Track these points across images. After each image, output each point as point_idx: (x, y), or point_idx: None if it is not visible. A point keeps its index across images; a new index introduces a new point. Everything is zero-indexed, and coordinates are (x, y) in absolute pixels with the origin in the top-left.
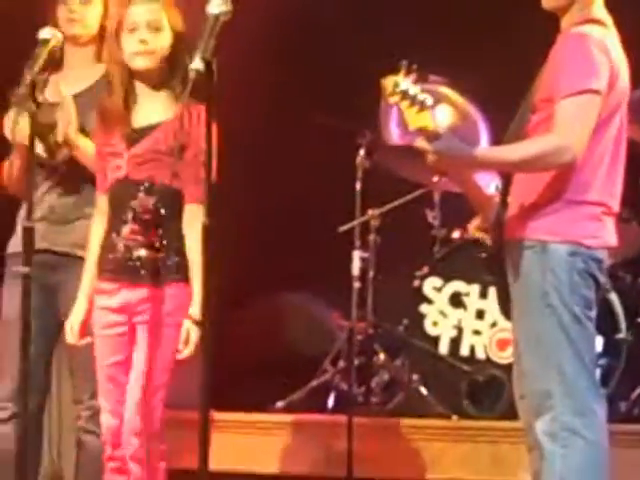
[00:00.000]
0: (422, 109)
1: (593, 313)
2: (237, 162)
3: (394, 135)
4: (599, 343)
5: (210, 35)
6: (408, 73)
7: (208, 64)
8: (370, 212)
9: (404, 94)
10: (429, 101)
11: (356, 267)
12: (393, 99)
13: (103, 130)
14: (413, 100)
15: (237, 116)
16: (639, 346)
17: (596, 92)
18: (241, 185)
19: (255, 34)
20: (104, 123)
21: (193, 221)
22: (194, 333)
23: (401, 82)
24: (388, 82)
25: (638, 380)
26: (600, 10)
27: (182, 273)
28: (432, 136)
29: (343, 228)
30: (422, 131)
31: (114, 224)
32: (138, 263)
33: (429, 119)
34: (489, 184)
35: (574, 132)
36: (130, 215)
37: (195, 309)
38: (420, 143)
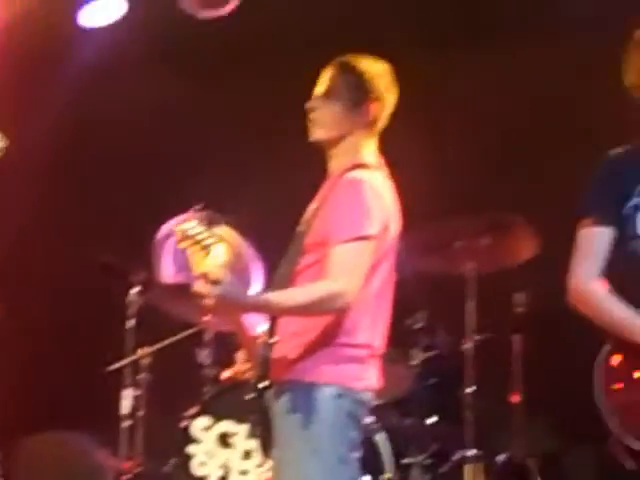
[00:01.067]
0: (208, 254)
1: (357, 454)
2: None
3: (167, 273)
4: None
5: None
6: (198, 216)
7: None
8: (140, 351)
9: (193, 239)
10: (213, 245)
11: (126, 405)
12: (183, 244)
13: None
14: (200, 245)
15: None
16: None
17: (370, 238)
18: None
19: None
20: None
21: None
22: None
23: (191, 227)
24: (180, 229)
25: None
26: (370, 154)
27: None
28: (213, 281)
29: (113, 367)
30: (205, 276)
31: None
32: None
33: (212, 264)
34: (258, 324)
35: (349, 278)
36: None
37: None
38: (199, 287)
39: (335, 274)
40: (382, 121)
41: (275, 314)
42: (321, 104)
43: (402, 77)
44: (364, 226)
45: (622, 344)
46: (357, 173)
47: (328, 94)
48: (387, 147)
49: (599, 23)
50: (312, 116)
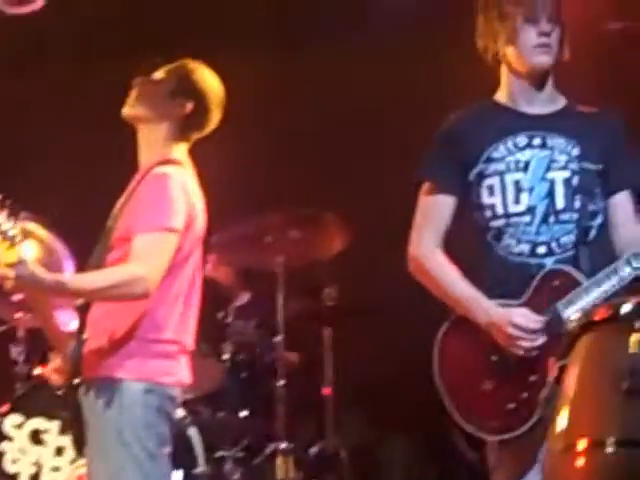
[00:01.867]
0: (12, 245)
1: (168, 449)
2: None
3: None
4: (178, 478)
5: None
6: (2, 208)
7: None
8: None
9: None
10: (18, 238)
11: None
12: None
13: None
14: (5, 236)
15: None
16: (218, 479)
17: (173, 230)
18: None
19: None
20: None
21: None
22: None
23: None
24: None
25: None
26: (179, 151)
27: None
28: (10, 264)
29: None
30: (9, 266)
31: None
32: None
33: (17, 255)
34: (70, 321)
35: (149, 265)
36: None
37: None
38: (1, 271)
39: (135, 260)
40: (201, 125)
41: (75, 296)
42: (148, 84)
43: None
44: (167, 219)
45: (462, 322)
46: (164, 168)
47: (156, 79)
48: (197, 145)
49: (407, 25)
50: (135, 92)
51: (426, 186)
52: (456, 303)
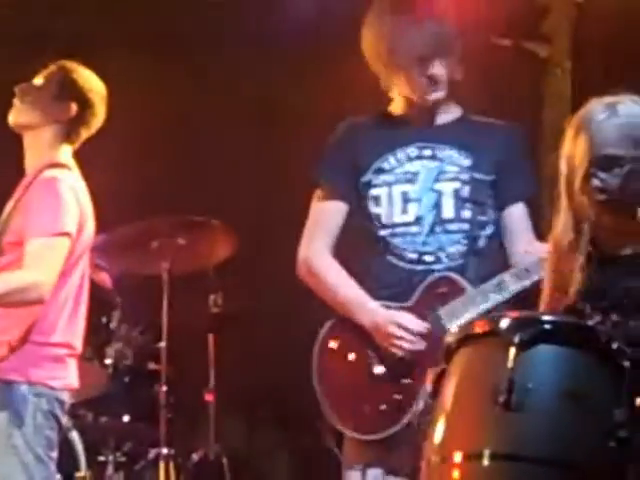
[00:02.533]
0: None
1: (55, 453)
2: None
3: None
4: None
5: None
6: None
7: None
8: None
9: None
10: None
11: None
12: None
13: None
14: None
15: None
16: None
17: (66, 235)
18: None
19: None
20: None
21: None
22: None
23: None
24: None
25: None
26: (65, 154)
27: None
28: None
29: None
30: None
31: None
32: None
33: None
34: None
35: (43, 271)
36: None
37: None
38: None
39: (30, 266)
40: (87, 125)
41: None
42: (30, 90)
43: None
44: (60, 223)
45: (342, 325)
46: (53, 172)
47: (38, 85)
48: (82, 149)
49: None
50: (18, 100)
51: (319, 192)
52: (342, 305)
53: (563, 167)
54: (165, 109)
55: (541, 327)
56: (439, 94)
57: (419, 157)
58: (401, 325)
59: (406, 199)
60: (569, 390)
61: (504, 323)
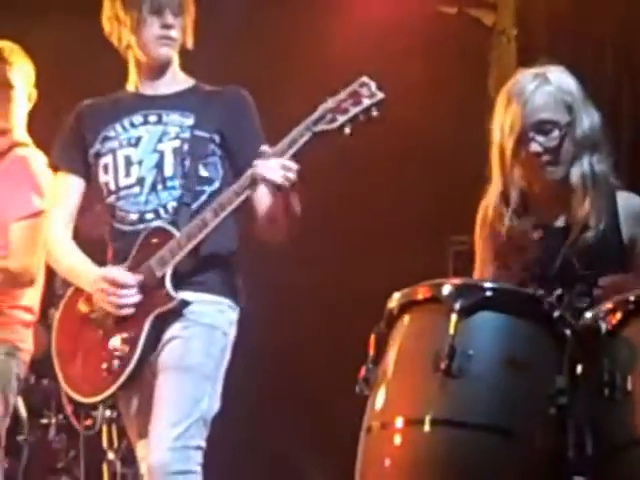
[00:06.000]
0: None
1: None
2: None
3: None
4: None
5: None
6: None
7: None
8: None
9: None
10: None
11: None
12: None
13: None
14: None
15: None
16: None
17: (42, 213)
18: None
19: None
20: None
21: None
22: None
23: None
24: None
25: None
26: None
27: None
28: None
29: None
30: None
31: None
32: None
33: None
34: None
35: (30, 256)
36: None
37: None
38: None
39: (17, 253)
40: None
41: None
42: None
43: None
44: (35, 202)
45: (77, 291)
46: (22, 150)
47: None
48: None
49: None
50: None
51: (57, 174)
52: (67, 274)
53: (495, 136)
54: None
55: (483, 294)
56: (168, 50)
57: (144, 123)
58: (109, 280)
59: (129, 162)
60: (510, 357)
61: (446, 290)
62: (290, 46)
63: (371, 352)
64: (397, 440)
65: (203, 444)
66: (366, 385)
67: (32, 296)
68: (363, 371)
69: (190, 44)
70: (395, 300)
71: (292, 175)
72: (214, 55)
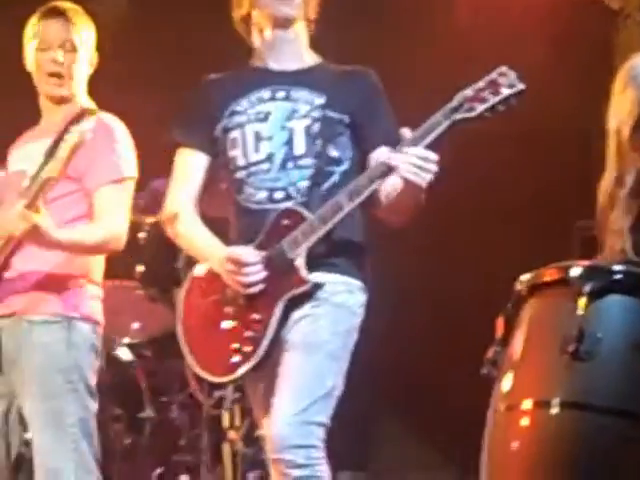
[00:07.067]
0: None
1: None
2: None
3: None
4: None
5: None
6: None
7: None
8: None
9: None
10: None
11: None
12: None
13: None
14: None
15: None
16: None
17: (132, 178)
18: None
19: None
20: None
21: None
22: None
23: None
24: None
25: (161, 458)
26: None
27: None
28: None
29: None
30: None
31: None
32: None
33: None
34: None
35: (121, 221)
36: None
37: None
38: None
39: (101, 220)
40: None
41: (53, 245)
42: None
43: None
44: (121, 168)
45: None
46: (101, 117)
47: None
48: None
49: None
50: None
51: (179, 150)
52: (199, 254)
53: (612, 122)
54: None
55: (612, 277)
56: (287, 9)
57: (272, 99)
58: (233, 259)
59: (259, 137)
60: (639, 341)
61: (575, 272)
62: (418, 28)
63: (498, 334)
64: (524, 422)
65: (326, 421)
66: (493, 367)
67: (99, 273)
68: (490, 353)
69: (312, 15)
70: (523, 282)
71: (431, 166)
72: (337, 34)
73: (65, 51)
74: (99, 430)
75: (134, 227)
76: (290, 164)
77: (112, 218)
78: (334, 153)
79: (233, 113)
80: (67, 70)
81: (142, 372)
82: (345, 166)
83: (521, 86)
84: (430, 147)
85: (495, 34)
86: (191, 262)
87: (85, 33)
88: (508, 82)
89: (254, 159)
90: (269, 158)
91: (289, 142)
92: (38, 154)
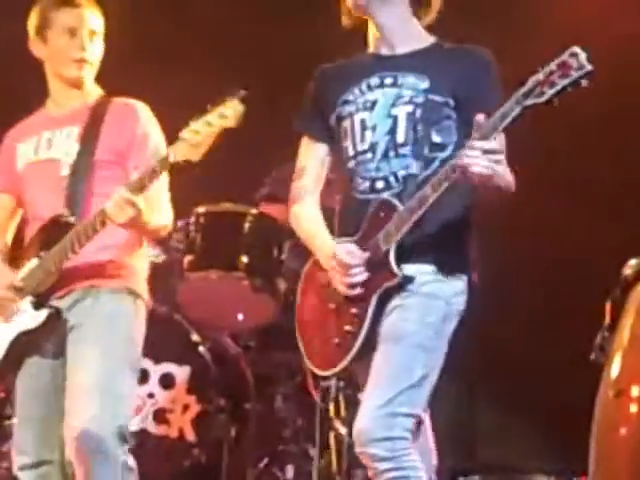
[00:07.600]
0: None
1: None
2: None
3: None
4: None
5: None
6: None
7: None
8: None
9: None
10: None
11: None
12: None
13: None
14: None
15: None
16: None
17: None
18: None
19: None
20: None
21: None
22: None
23: None
24: None
25: (267, 449)
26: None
27: None
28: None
29: None
30: None
31: None
32: None
33: None
34: None
35: (169, 211)
36: None
37: None
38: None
39: (162, 207)
40: None
41: (137, 228)
42: None
43: None
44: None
45: (313, 264)
46: (124, 100)
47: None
48: None
49: None
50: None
51: (302, 140)
52: (312, 245)
53: None
54: None
55: None
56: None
57: (380, 86)
58: (338, 260)
59: (364, 127)
60: None
61: None
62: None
63: (607, 319)
64: (633, 408)
65: (416, 411)
66: (601, 353)
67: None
68: (599, 338)
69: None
70: (631, 267)
71: (498, 157)
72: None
73: (90, 37)
74: (205, 421)
75: (239, 217)
76: (392, 153)
77: (167, 206)
78: (437, 139)
79: (345, 102)
80: (90, 56)
81: (247, 363)
82: (448, 151)
83: (589, 67)
84: (504, 131)
85: (578, 11)
86: (296, 253)
87: (99, 20)
88: (577, 64)
89: (360, 149)
90: (372, 147)
91: (392, 131)
92: (69, 141)
